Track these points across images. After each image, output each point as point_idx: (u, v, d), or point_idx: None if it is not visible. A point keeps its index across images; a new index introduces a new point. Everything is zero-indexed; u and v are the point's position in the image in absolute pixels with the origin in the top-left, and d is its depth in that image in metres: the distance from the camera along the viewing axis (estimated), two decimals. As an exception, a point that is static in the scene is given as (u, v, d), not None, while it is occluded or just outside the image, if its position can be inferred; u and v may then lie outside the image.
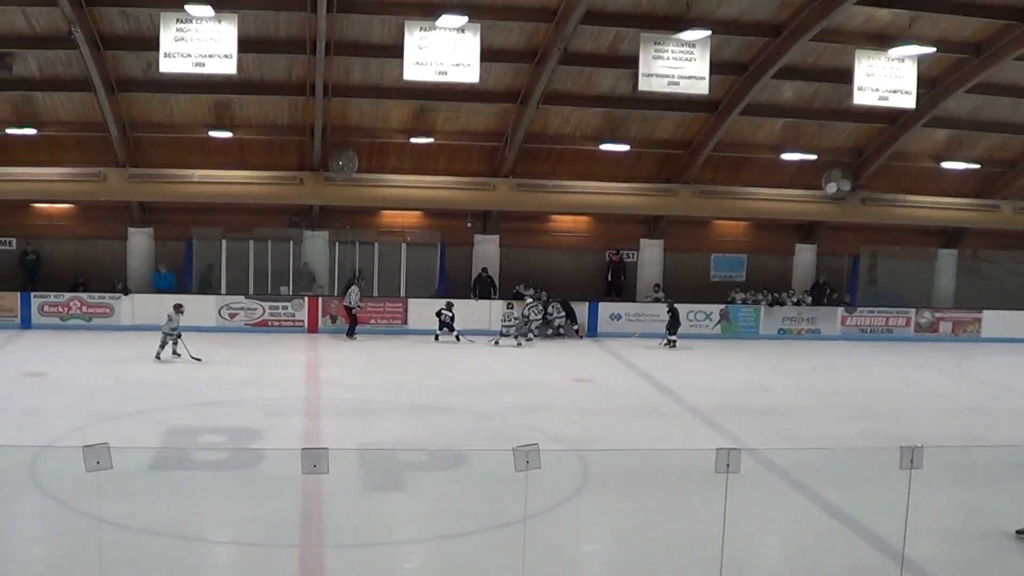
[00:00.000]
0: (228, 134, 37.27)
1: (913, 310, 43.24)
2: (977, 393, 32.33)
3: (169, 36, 30.40)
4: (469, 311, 38.93)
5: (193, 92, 35.56)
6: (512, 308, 38.72)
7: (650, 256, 43.19)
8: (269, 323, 38.64)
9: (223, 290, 39.51)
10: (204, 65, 30.71)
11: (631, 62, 33.49)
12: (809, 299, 42.70)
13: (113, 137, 35.96)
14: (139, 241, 39.84)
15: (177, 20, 30.25)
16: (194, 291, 39.23)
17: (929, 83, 36.37)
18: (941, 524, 17.92)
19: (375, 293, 40.50)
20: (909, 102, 34.63)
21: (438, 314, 38.26)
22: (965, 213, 43.76)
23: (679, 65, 32.86)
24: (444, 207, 40.67)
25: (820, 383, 32.80)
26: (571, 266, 42.97)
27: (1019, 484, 19.06)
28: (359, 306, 37.95)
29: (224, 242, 39.85)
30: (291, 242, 40.52)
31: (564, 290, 40.62)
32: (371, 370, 32.32)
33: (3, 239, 39.56)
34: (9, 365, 30.96)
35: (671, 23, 32.64)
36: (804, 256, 44.63)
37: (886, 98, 34.20)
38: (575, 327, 39.83)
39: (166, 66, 30.82)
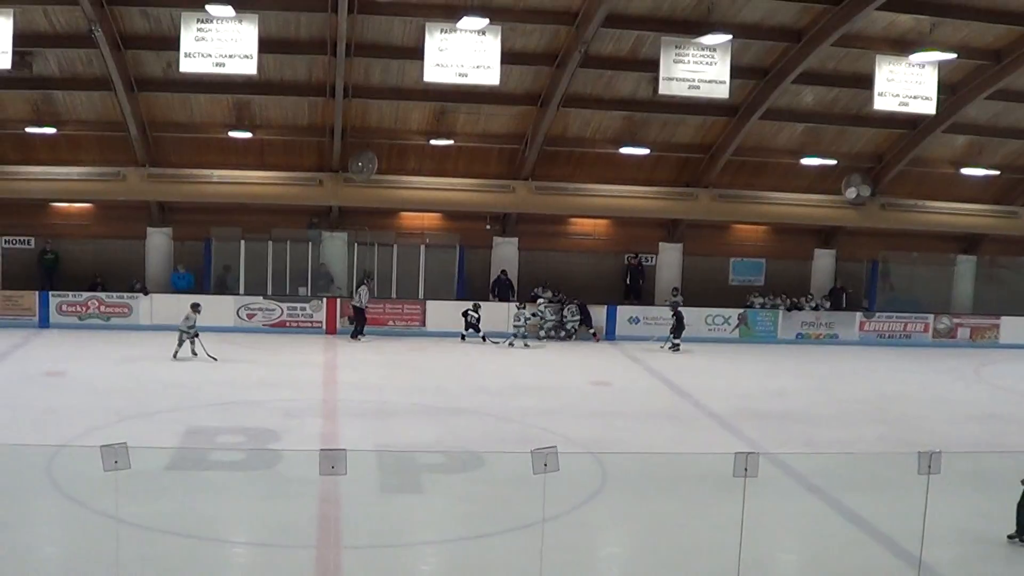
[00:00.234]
0: (248, 134, 37.31)
1: (931, 316, 43.17)
2: (995, 399, 32.23)
3: (189, 36, 30.47)
4: (488, 313, 38.85)
5: (213, 92, 35.63)
6: (524, 308, 38.72)
7: (669, 260, 43.15)
8: (287, 324, 38.66)
9: (241, 291, 39.50)
10: (224, 65, 30.78)
11: (651, 65, 33.51)
12: (828, 304, 42.63)
13: (133, 137, 36.03)
14: (158, 241, 39.92)
15: (198, 20, 30.33)
16: (212, 291, 39.25)
17: (949, 89, 36.32)
18: (958, 529, 17.84)
19: (393, 295, 40.53)
20: (929, 108, 34.59)
21: (464, 314, 38.39)
22: (984, 219, 43.62)
23: (699, 69, 32.84)
24: (463, 209, 40.68)
25: (838, 388, 32.73)
26: (589, 269, 42.92)
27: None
28: (367, 306, 37.94)
29: (243, 243, 39.84)
30: (310, 243, 40.54)
31: (582, 293, 40.56)
32: (389, 372, 32.31)
33: (22, 238, 39.64)
34: (27, 364, 31.03)
35: (692, 27, 32.61)
36: (823, 261, 44.57)
37: (906, 104, 34.16)
38: (592, 330, 39.78)
39: (186, 66, 30.91)
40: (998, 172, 42.19)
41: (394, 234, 41.21)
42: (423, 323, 39.68)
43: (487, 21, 30.83)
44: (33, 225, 39.63)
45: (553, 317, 39.34)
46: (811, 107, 38.40)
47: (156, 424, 24.03)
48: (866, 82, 34.28)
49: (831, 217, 42.66)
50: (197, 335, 32.45)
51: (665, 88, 33.22)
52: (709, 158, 40.01)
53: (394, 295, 40.54)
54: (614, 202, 40.75)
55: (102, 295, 37.96)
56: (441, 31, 31.18)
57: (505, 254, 41.88)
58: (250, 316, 38.38)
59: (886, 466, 21.98)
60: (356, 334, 37.81)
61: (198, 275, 39.76)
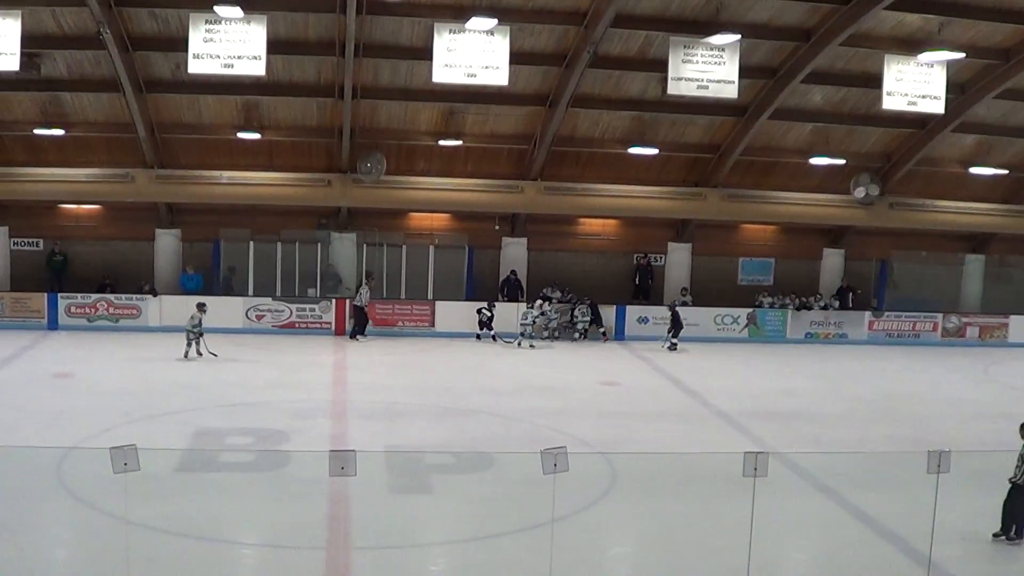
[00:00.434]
0: (256, 136, 37.33)
1: (940, 315, 43.14)
2: (1004, 398, 32.11)
3: (198, 37, 30.50)
4: (498, 313, 38.84)
5: (221, 93, 35.66)
6: (533, 308, 38.73)
7: (678, 260, 43.14)
8: (296, 325, 38.67)
9: (250, 292, 39.49)
10: (233, 66, 30.82)
11: (660, 65, 33.49)
12: (836, 303, 42.59)
13: (141, 138, 36.06)
14: (166, 242, 39.96)
15: (206, 21, 30.36)
16: (221, 293, 39.27)
17: (958, 88, 36.26)
18: (967, 528, 17.82)
19: (403, 296, 40.55)
20: (938, 107, 34.57)
21: (479, 312, 38.40)
22: (993, 218, 43.57)
23: (708, 69, 32.84)
24: (472, 210, 40.71)
25: (847, 387, 32.70)
26: (598, 269, 42.93)
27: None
28: (367, 305, 37.97)
29: (252, 244, 39.83)
30: (319, 244, 40.52)
31: (591, 293, 40.51)
32: (398, 372, 32.32)
33: (30, 240, 39.69)
34: (36, 366, 31.06)
35: (700, 27, 32.61)
36: (832, 260, 44.53)
37: (915, 103, 34.14)
38: (602, 330, 39.77)
39: (195, 67, 30.96)
40: (1007, 171, 42.12)
41: (403, 235, 41.23)
42: (432, 324, 39.64)
43: (496, 21, 30.88)
44: (42, 227, 39.69)
45: (555, 316, 39.36)
46: (820, 107, 38.37)
47: (165, 426, 24.06)
48: (875, 82, 34.28)
49: (840, 217, 42.63)
50: (201, 335, 32.53)
51: (674, 88, 33.21)
52: (718, 158, 39.99)
53: (403, 296, 40.54)
54: (623, 202, 40.72)
55: (111, 297, 37.97)
56: (450, 31, 31.21)
57: (514, 254, 41.88)
58: (259, 317, 38.39)
59: (895, 465, 21.95)
60: (355, 334, 37.83)
61: (207, 276, 39.75)
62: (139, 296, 38.10)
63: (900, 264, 45.32)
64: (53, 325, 37.26)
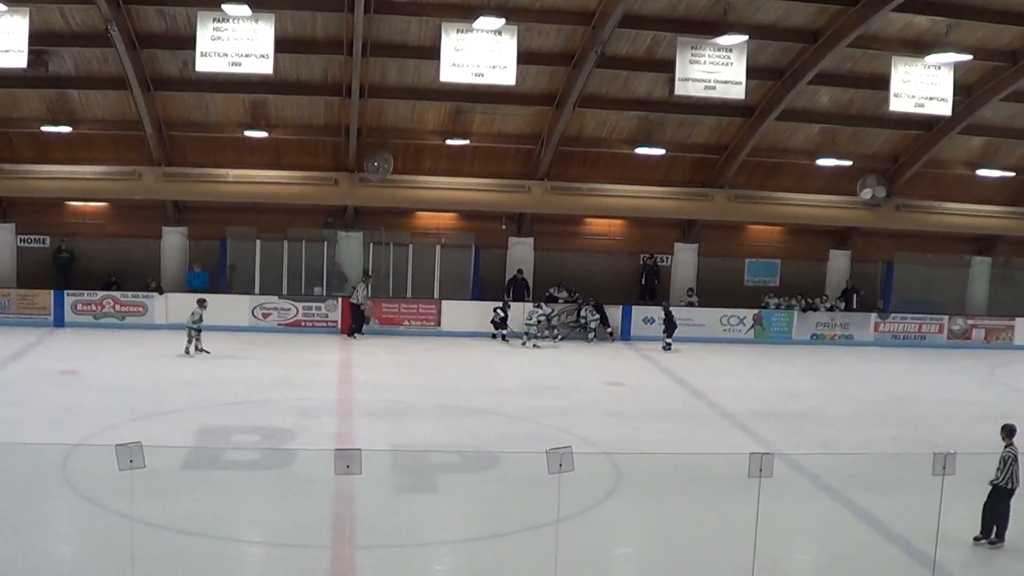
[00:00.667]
0: (263, 134, 37.35)
1: (946, 317, 43.11)
2: (1009, 400, 32.09)
3: (206, 35, 30.52)
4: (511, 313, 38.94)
5: (229, 92, 35.68)
6: (539, 307, 38.73)
7: (684, 260, 43.12)
8: (302, 323, 38.67)
9: (257, 290, 39.53)
10: (240, 65, 30.83)
11: (667, 66, 33.49)
12: (843, 304, 42.57)
13: (148, 136, 36.09)
14: (173, 240, 39.96)
15: (214, 19, 30.38)
16: (227, 290, 39.32)
17: (965, 90, 36.29)
18: (973, 530, 17.79)
19: (409, 295, 40.58)
20: (945, 109, 34.58)
21: (494, 311, 38.56)
22: (999, 221, 43.55)
23: (715, 69, 32.84)
24: (479, 209, 40.70)
25: (852, 389, 32.67)
26: (605, 269, 42.94)
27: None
28: (363, 303, 37.99)
29: (258, 242, 39.91)
30: (325, 243, 40.57)
31: (598, 293, 40.51)
32: (404, 371, 32.33)
33: (37, 237, 39.71)
34: (42, 363, 31.08)
35: (708, 27, 32.61)
36: (838, 262, 44.50)
37: (922, 105, 34.13)
38: (608, 330, 39.77)
39: (202, 65, 30.97)
40: (1013, 174, 42.13)
41: (409, 234, 41.24)
42: (438, 323, 39.64)
43: (503, 21, 30.87)
44: (48, 224, 39.70)
45: (557, 316, 39.35)
46: (827, 108, 38.37)
47: (171, 423, 24.09)
48: (882, 83, 34.26)
49: (846, 218, 42.62)
50: (200, 331, 32.61)
51: (681, 88, 33.22)
52: (725, 159, 40.00)
53: (409, 295, 40.58)
54: (629, 202, 40.72)
55: (117, 294, 37.98)
56: (457, 31, 31.21)
57: (521, 254, 41.86)
58: (265, 315, 38.39)
59: (901, 467, 21.97)
60: (353, 332, 37.88)
61: (214, 274, 39.76)
62: (145, 294, 38.11)
63: (896, 267, 45.24)
64: (59, 322, 37.30)
